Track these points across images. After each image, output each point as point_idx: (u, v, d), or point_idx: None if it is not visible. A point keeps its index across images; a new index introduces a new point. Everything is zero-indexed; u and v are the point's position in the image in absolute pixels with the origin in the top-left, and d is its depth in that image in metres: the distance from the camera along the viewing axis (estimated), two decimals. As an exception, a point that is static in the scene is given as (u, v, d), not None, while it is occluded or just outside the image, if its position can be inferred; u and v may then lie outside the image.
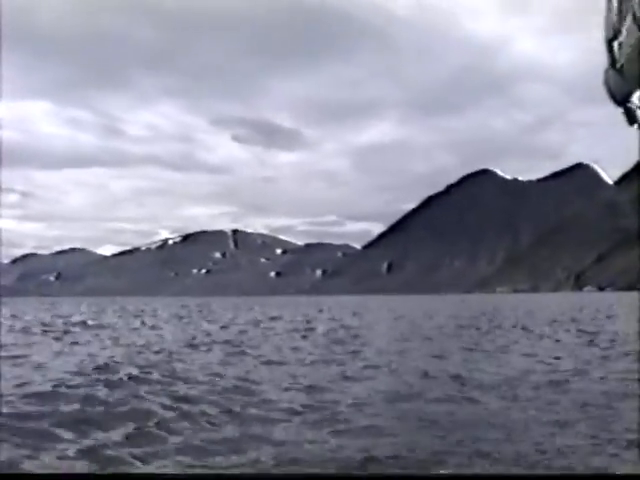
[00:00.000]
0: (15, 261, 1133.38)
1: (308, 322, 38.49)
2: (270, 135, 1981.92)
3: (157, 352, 18.57)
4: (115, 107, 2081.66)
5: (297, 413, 9.35)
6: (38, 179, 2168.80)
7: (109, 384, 12.07)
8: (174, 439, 7.44)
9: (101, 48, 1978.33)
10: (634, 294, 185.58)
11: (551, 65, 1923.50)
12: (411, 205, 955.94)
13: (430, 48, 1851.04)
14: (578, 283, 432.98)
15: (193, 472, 5.05)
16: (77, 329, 31.66)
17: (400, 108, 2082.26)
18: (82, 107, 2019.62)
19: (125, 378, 12.84)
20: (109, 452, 6.61)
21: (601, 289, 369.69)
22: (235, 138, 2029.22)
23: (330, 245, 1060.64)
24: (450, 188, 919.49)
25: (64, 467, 5.06)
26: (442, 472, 5.13)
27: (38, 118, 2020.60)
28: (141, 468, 5.09)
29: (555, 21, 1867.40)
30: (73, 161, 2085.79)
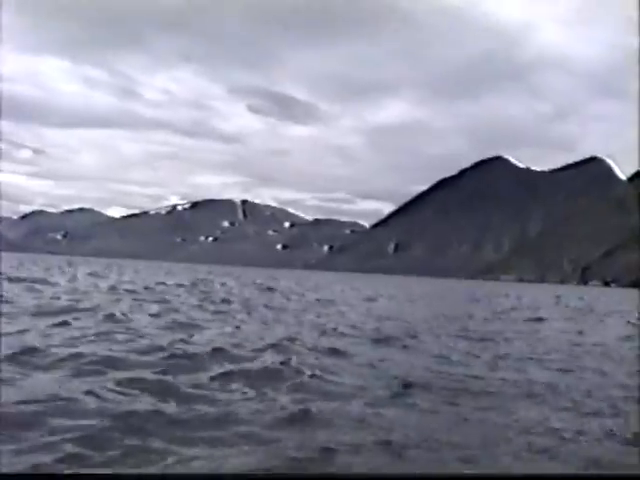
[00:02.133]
0: (24, 217, 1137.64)
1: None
2: (286, 107, 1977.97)
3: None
4: (131, 68, 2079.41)
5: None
6: (50, 137, 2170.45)
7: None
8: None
9: (120, 7, 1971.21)
10: (636, 292, 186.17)
11: (572, 56, 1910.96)
12: (422, 187, 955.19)
13: (452, 31, 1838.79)
14: (584, 276, 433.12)
15: (193, 472, 5.06)
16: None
17: (418, 89, 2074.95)
18: (98, 66, 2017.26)
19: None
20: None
21: (606, 284, 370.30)
22: (250, 108, 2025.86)
23: (338, 222, 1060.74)
24: (463, 173, 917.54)
25: (64, 467, 5.06)
26: (442, 472, 5.15)
27: (54, 75, 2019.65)
28: (141, 468, 5.08)
29: (580, 12, 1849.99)
30: (86, 121, 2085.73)
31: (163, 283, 48.25)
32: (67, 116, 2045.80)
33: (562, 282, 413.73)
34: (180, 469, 5.17)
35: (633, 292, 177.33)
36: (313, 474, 5.23)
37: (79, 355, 12.27)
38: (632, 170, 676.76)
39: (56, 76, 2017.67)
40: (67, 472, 5.04)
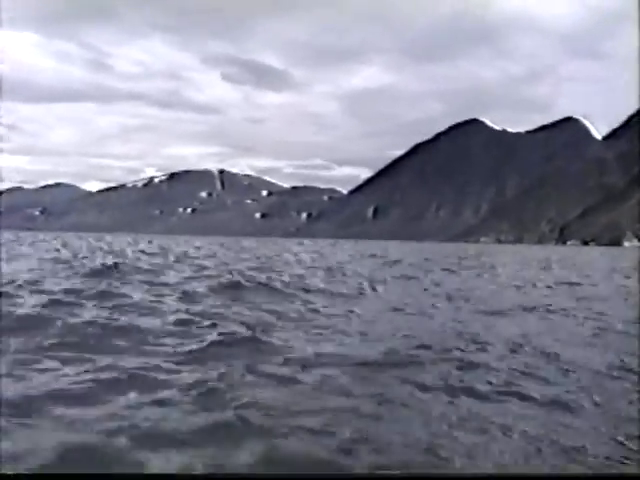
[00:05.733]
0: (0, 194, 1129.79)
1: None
2: (260, 75, 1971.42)
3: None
4: (103, 41, 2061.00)
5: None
6: (23, 112, 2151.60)
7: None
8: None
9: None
10: (616, 249, 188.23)
11: (544, 17, 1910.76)
12: (399, 152, 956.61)
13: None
14: (562, 237, 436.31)
15: (193, 472, 5.07)
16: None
17: (390, 54, 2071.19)
18: (70, 40, 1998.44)
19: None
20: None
21: (585, 243, 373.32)
22: (224, 77, 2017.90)
23: (316, 189, 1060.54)
24: (438, 136, 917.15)
25: (64, 467, 5.03)
26: (442, 472, 5.14)
27: (24, 50, 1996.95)
28: (141, 468, 5.07)
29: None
30: (59, 95, 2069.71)
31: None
32: (40, 91, 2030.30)
33: (540, 242, 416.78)
34: (180, 469, 5.14)
35: (613, 250, 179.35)
36: (313, 474, 5.15)
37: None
38: (607, 129, 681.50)
39: (27, 51, 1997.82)
40: (67, 472, 5.01)
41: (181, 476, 5.09)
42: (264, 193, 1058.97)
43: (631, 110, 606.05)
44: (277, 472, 5.09)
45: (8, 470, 4.87)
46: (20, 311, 12.14)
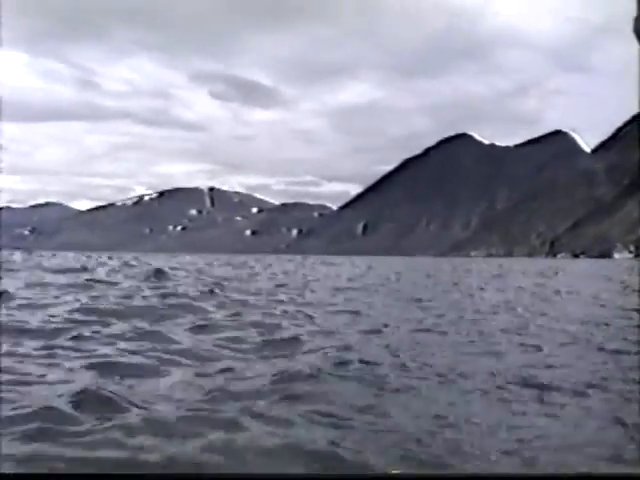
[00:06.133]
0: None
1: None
2: (247, 92, 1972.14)
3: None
4: (90, 60, 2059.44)
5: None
6: (11, 132, 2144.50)
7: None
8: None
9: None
10: (605, 261, 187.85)
11: (531, 32, 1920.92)
12: (388, 167, 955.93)
13: (410, 10, 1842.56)
14: (552, 249, 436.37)
15: (192, 472, 5.05)
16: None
17: (378, 70, 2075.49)
18: (57, 59, 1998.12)
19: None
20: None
21: (575, 256, 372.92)
22: (212, 94, 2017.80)
23: (306, 205, 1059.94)
24: (428, 151, 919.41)
25: (64, 467, 5.02)
26: (443, 472, 5.16)
27: (12, 69, 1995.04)
28: (141, 468, 5.05)
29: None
30: (47, 114, 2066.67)
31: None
32: (27, 110, 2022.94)
33: (530, 255, 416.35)
34: (180, 469, 5.10)
35: (603, 262, 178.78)
36: (313, 474, 5.16)
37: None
38: (596, 142, 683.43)
39: (16, 70, 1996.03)
40: (67, 472, 5.00)
41: (181, 476, 5.10)
42: (254, 210, 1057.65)
43: (619, 122, 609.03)
44: (277, 472, 5.10)
45: (8, 470, 4.86)
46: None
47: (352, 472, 5.21)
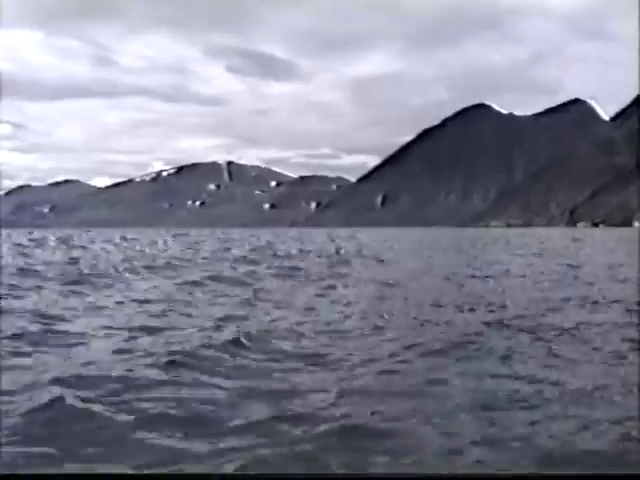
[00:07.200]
0: (9, 193, 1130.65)
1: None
2: (264, 66, 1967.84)
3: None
4: (106, 37, 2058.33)
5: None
6: (30, 110, 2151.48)
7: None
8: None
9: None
10: (626, 229, 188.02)
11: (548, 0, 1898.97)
12: (407, 138, 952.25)
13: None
14: (572, 219, 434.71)
15: (192, 472, 5.06)
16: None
17: (395, 41, 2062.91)
18: (73, 37, 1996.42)
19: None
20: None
21: (595, 225, 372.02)
22: (229, 68, 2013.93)
23: (324, 178, 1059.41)
24: (446, 122, 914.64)
25: (64, 467, 5.02)
26: (443, 472, 5.14)
27: (29, 48, 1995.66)
28: (141, 468, 5.04)
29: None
30: (65, 92, 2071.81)
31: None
32: (45, 88, 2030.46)
33: (550, 225, 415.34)
34: (179, 469, 5.09)
35: (622, 230, 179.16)
36: (313, 474, 5.11)
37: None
38: (614, 110, 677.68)
39: (31, 49, 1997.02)
40: (67, 472, 4.96)
41: (181, 476, 5.07)
42: (272, 184, 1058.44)
43: (638, 90, 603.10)
44: (277, 472, 5.06)
45: (8, 470, 4.84)
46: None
47: (352, 472, 5.12)
